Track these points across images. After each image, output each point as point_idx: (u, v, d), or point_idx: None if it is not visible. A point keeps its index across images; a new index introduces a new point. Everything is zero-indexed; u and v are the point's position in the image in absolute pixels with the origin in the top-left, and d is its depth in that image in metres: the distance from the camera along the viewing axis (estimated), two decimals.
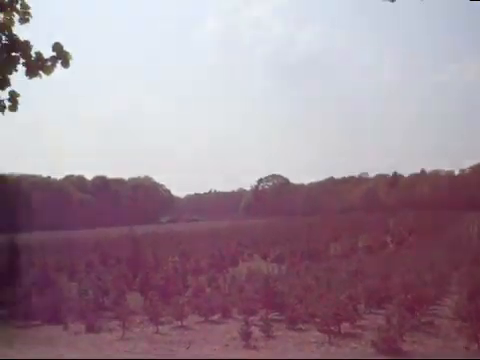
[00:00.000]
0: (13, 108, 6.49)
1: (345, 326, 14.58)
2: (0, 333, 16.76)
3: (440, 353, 11.92)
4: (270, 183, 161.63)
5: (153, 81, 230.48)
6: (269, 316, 15.41)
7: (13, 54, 6.12)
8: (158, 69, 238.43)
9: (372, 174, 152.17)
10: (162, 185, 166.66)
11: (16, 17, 6.10)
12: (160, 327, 16.03)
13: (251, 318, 15.16)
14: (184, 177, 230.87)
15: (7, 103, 6.45)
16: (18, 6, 6.09)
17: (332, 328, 13.99)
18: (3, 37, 6.07)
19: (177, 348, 13.84)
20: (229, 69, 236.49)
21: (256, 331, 14.37)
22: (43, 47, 6.22)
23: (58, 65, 6.33)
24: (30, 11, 6.14)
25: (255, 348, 13.47)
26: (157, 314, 16.38)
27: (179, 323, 16.50)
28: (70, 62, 6.30)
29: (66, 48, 6.23)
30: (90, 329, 16.15)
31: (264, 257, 34.70)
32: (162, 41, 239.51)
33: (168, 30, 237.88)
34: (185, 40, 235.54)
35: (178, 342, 14.41)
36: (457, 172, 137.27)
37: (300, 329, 15.09)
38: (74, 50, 6.33)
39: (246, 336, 13.91)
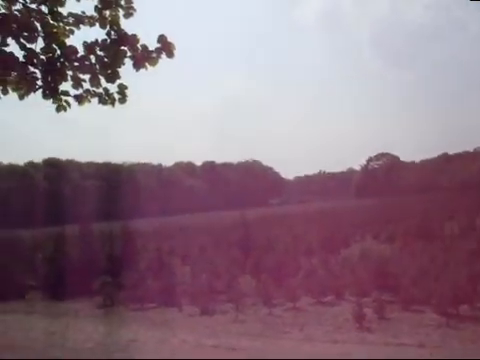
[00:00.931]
0: (122, 100, 6.69)
1: (464, 308, 14.07)
2: (118, 315, 17.63)
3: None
4: (380, 162, 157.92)
5: (258, 64, 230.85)
6: (382, 297, 15.15)
7: (122, 48, 6.31)
8: (263, 52, 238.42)
9: None
10: (271, 168, 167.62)
11: (120, 12, 6.27)
12: (273, 309, 16.17)
13: (364, 300, 14.98)
14: (293, 159, 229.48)
15: (117, 96, 6.66)
16: (122, 2, 6.26)
17: (450, 310, 13.56)
18: (112, 32, 6.26)
19: (290, 330, 13.92)
20: (334, 48, 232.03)
21: (369, 313, 14.19)
22: (145, 38, 6.37)
23: (163, 56, 6.45)
24: (134, 6, 6.29)
25: (369, 330, 13.30)
26: (269, 296, 16.53)
27: (291, 305, 16.56)
28: (174, 52, 6.40)
29: (171, 36, 6.33)
30: (204, 311, 16.56)
31: (376, 238, 34.04)
32: (267, 23, 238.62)
33: (272, 11, 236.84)
34: (289, 21, 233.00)
35: (291, 324, 14.48)
36: None
37: (415, 311, 14.73)
38: (179, 38, 6.43)
39: (359, 318, 13.76)
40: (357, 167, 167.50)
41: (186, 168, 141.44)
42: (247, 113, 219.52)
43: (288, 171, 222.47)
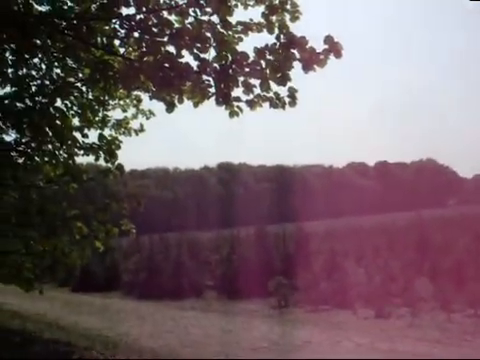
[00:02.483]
0: (293, 103, 6.79)
1: None
2: (293, 316, 17.83)
3: None
4: None
5: (427, 55, 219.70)
6: None
7: (291, 51, 6.39)
8: (430, 42, 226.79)
9: None
10: (447, 166, 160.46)
11: (287, 17, 6.35)
12: (452, 315, 15.40)
13: None
14: (471, 156, 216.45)
15: (287, 99, 6.76)
16: (288, 6, 6.34)
17: None
18: (281, 36, 6.36)
19: (471, 338, 13.17)
20: None
21: None
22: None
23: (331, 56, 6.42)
24: (299, 9, 6.35)
25: None
26: (448, 301, 15.78)
27: (472, 311, 15.66)
28: (342, 52, 6.35)
29: (333, 31, 6.30)
30: (379, 315, 16.22)
31: None
32: (439, 9, 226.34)
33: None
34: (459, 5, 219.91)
35: (472, 332, 13.68)
36: None
37: None
38: (341, 30, 6.39)
39: None
40: None
41: (358, 169, 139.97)
42: (419, 108, 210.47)
43: (466, 170, 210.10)
